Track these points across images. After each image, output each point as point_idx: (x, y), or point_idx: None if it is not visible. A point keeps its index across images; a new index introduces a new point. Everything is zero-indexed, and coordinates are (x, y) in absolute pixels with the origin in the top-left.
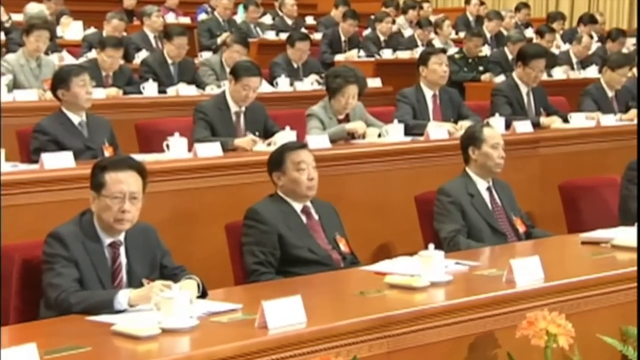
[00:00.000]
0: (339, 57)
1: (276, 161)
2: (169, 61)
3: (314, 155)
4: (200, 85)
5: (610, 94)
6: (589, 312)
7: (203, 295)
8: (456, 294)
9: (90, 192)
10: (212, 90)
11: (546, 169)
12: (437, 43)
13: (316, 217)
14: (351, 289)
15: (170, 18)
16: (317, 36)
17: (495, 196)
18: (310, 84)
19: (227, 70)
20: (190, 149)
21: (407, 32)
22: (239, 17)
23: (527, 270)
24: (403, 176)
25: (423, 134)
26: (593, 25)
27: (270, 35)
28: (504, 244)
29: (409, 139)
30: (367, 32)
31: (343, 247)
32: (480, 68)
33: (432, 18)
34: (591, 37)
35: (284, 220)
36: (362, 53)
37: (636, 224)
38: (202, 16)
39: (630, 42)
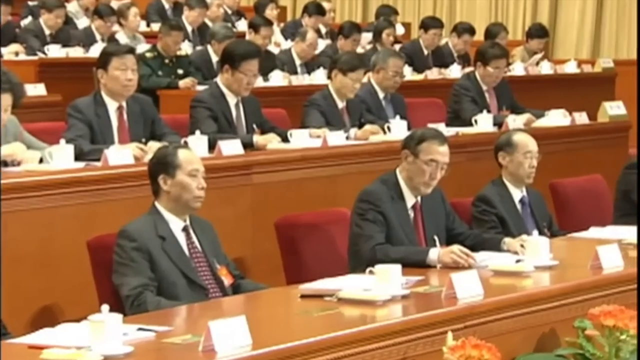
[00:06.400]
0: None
1: None
2: None
3: None
4: None
5: (340, 104)
6: None
7: None
8: None
9: None
10: None
11: (261, 202)
12: (122, 37)
13: None
14: None
15: None
16: None
17: (194, 239)
18: None
19: None
20: None
21: (82, 22)
22: None
23: (230, 334)
24: (72, 215)
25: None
26: (320, 18)
27: None
28: (205, 300)
29: (82, 165)
30: (26, 21)
31: None
32: (180, 71)
33: (115, 4)
34: (318, 32)
35: None
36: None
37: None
38: None
39: (366, 38)
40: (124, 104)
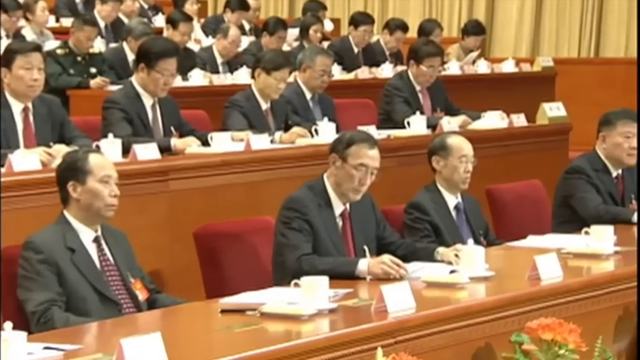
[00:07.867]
0: None
1: None
2: None
3: None
4: None
5: (264, 105)
6: None
7: None
8: None
9: None
10: None
11: (178, 211)
12: (29, 34)
13: None
14: None
15: None
16: None
17: (106, 250)
18: None
19: None
20: None
21: None
22: None
23: (144, 353)
24: None
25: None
26: (244, 12)
27: None
28: (117, 316)
29: None
30: None
31: None
32: (93, 70)
33: None
34: (242, 28)
35: None
36: None
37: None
38: None
39: (292, 35)
40: (29, 105)
